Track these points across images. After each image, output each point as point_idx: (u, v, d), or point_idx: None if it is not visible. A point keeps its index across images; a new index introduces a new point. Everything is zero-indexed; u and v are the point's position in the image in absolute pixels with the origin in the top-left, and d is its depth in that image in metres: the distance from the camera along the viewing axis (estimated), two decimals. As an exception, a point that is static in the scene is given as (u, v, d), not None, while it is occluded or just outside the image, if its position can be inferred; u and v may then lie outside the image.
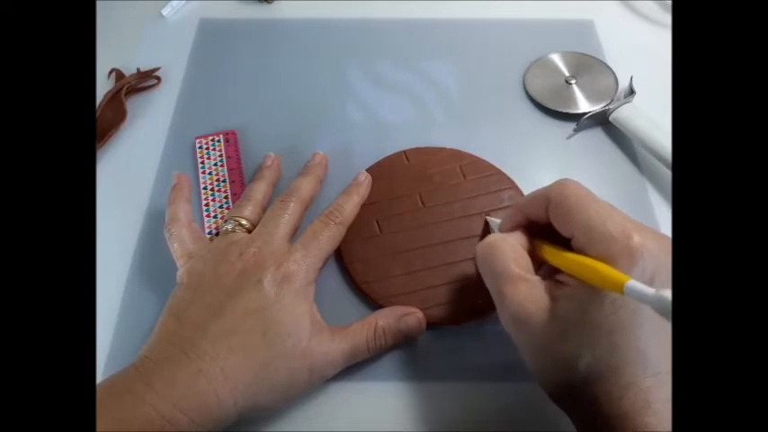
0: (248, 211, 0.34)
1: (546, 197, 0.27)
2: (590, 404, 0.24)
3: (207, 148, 0.41)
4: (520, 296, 0.25)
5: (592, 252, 0.24)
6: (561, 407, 0.26)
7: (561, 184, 0.27)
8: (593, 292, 0.23)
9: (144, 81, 0.45)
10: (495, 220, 0.34)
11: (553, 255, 0.26)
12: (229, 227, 0.33)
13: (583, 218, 0.25)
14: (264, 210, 0.35)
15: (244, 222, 0.34)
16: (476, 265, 0.34)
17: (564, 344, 0.24)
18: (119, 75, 0.45)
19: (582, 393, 0.24)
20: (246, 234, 0.33)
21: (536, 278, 0.26)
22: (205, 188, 0.39)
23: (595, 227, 0.24)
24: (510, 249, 0.27)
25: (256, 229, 0.33)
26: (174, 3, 0.51)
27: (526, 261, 0.27)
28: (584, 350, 0.23)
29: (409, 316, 0.32)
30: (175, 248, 0.33)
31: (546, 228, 0.27)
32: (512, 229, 0.29)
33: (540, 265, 0.28)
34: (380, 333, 0.31)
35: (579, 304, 0.24)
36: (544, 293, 0.25)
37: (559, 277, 0.25)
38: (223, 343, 0.27)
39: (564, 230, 0.26)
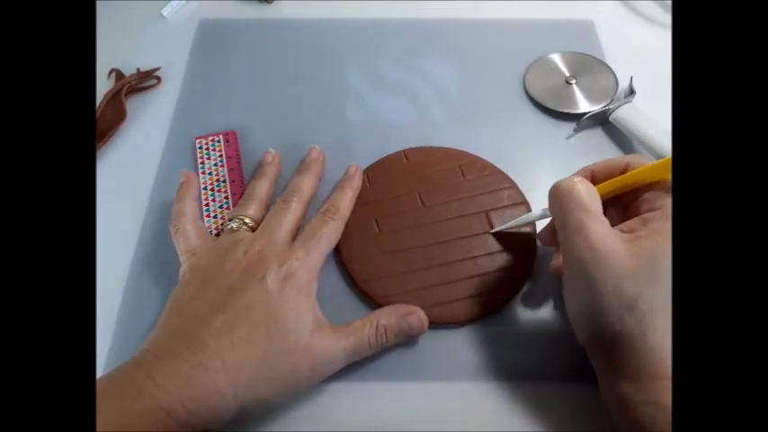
0: (252, 209, 0.35)
1: (626, 163, 0.30)
2: (633, 336, 0.26)
3: (207, 149, 0.41)
4: (602, 233, 0.27)
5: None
6: (594, 352, 0.28)
7: (641, 155, 0.32)
8: (664, 243, 0.26)
9: (144, 81, 0.45)
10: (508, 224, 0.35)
11: (614, 181, 0.30)
12: (234, 225, 0.34)
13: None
14: (267, 207, 0.36)
15: (248, 221, 0.34)
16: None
17: (631, 281, 0.26)
18: (119, 75, 0.45)
19: (629, 325, 0.26)
20: (250, 232, 0.33)
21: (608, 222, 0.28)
22: (205, 188, 0.39)
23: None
24: (593, 190, 0.28)
25: (260, 227, 0.33)
26: (173, 3, 0.51)
27: (601, 206, 0.28)
28: (646, 288, 0.26)
29: (411, 315, 0.32)
30: (180, 244, 0.33)
31: None
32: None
33: None
34: (382, 331, 0.31)
35: (653, 246, 0.26)
36: (619, 234, 0.27)
37: (623, 228, 0.28)
38: (225, 337, 0.27)
39: (635, 192, 0.30)
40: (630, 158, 0.31)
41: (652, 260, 0.26)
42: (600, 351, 0.28)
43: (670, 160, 0.27)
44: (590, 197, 0.28)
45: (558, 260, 0.33)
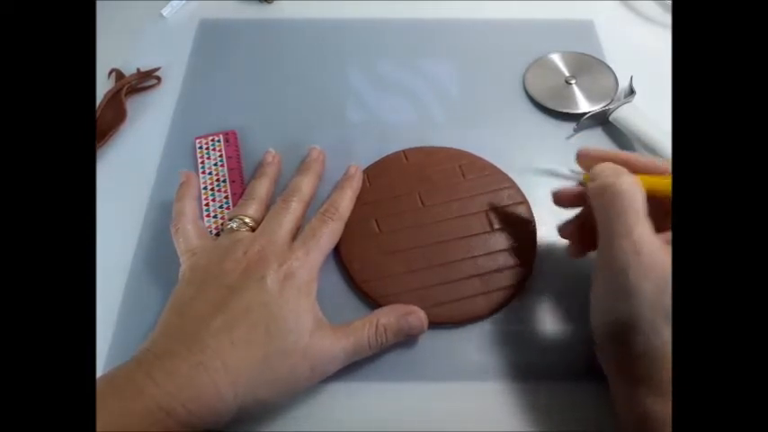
0: (252, 209, 0.35)
1: (666, 167, 0.29)
2: (660, 346, 0.25)
3: (207, 148, 0.41)
4: (648, 238, 0.26)
5: None
6: (607, 350, 0.28)
7: None
8: None
9: (144, 81, 0.45)
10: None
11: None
12: (234, 225, 0.34)
13: None
14: (267, 207, 0.36)
15: (248, 221, 0.34)
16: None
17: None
18: (119, 75, 0.45)
19: (664, 345, 0.25)
20: (250, 232, 0.33)
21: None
22: (205, 188, 0.39)
23: None
24: (640, 191, 0.27)
25: (260, 227, 0.33)
26: (173, 3, 0.51)
27: (646, 205, 0.27)
28: None
29: (411, 315, 0.32)
30: (180, 243, 0.33)
31: None
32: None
33: None
34: (381, 331, 0.31)
35: None
36: (663, 244, 0.26)
37: (663, 237, 0.26)
38: (225, 337, 0.27)
39: None
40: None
41: None
42: (624, 362, 0.26)
43: None
44: (638, 197, 0.27)
45: (572, 249, 0.32)
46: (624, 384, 0.27)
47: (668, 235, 0.27)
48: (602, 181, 0.28)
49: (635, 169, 0.29)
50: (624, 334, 0.26)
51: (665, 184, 0.28)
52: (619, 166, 0.29)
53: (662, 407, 0.24)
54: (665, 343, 0.24)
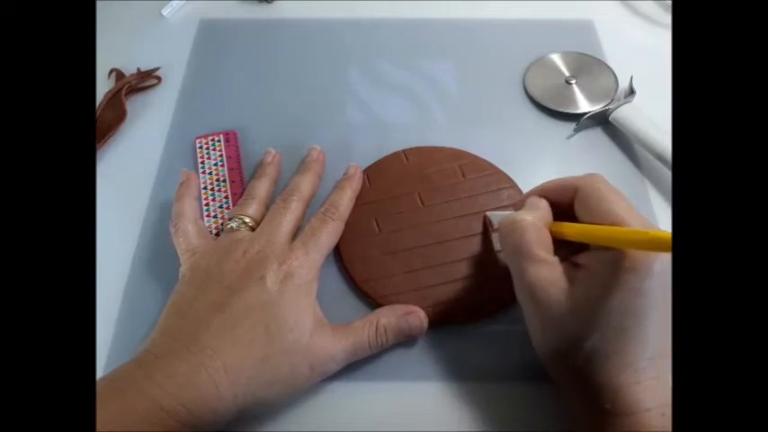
0: (252, 209, 0.35)
1: (575, 186, 0.28)
2: (584, 374, 0.25)
3: (207, 148, 0.41)
4: (540, 277, 0.26)
5: None
6: (550, 371, 0.28)
7: (593, 176, 0.29)
8: (613, 277, 0.24)
9: (144, 81, 0.45)
10: (496, 213, 0.34)
11: (580, 229, 0.27)
12: (234, 225, 0.34)
13: (611, 209, 0.26)
14: (267, 207, 0.36)
15: (248, 220, 0.34)
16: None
17: (576, 324, 0.25)
18: (119, 75, 0.45)
19: (578, 364, 0.26)
20: (250, 232, 0.33)
21: (555, 260, 0.27)
22: (205, 188, 0.39)
23: (624, 220, 0.26)
24: (534, 228, 0.28)
25: (260, 227, 0.33)
26: (174, 3, 0.51)
27: (548, 241, 0.28)
28: (593, 331, 0.25)
29: (411, 315, 0.32)
30: (180, 243, 0.33)
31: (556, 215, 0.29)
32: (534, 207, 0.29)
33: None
34: (382, 331, 0.31)
35: (598, 288, 0.25)
36: (563, 276, 0.26)
37: (578, 260, 0.27)
38: (225, 337, 0.27)
39: (588, 219, 0.27)
40: (582, 181, 0.28)
41: (594, 305, 0.25)
42: (562, 381, 0.28)
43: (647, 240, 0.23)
44: (532, 236, 0.27)
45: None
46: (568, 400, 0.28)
47: (582, 257, 0.27)
48: (503, 219, 0.29)
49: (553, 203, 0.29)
50: (551, 357, 0.28)
51: (579, 231, 0.27)
52: (536, 201, 0.30)
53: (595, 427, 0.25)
54: (580, 369, 0.25)
